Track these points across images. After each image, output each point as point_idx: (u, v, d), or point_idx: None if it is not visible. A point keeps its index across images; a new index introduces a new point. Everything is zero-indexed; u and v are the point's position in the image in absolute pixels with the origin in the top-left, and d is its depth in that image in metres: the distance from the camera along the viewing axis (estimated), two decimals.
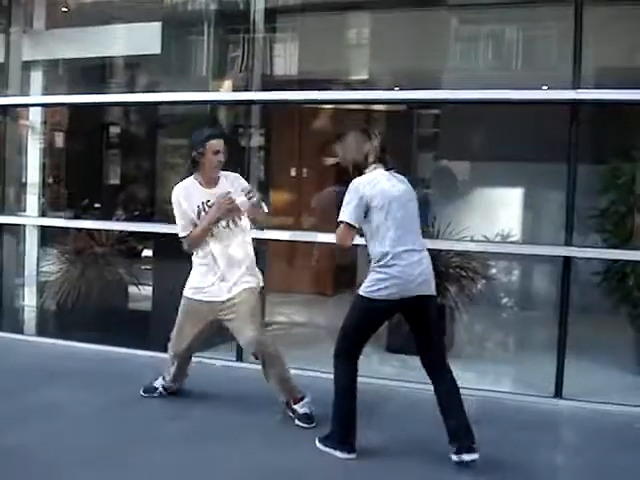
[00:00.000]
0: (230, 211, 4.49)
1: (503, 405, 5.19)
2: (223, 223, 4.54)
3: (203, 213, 4.54)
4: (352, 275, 8.15)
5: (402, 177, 4.15)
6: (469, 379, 5.80)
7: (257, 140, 6.47)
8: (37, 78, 7.77)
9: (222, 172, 4.63)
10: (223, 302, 4.58)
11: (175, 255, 6.47)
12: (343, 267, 8.82)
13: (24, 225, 7.61)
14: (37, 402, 4.81)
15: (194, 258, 4.68)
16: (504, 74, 7.83)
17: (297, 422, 4.55)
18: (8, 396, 4.93)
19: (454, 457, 3.88)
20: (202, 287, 4.62)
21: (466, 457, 3.85)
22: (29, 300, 7.64)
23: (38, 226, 7.65)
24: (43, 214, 7.77)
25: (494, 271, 7.18)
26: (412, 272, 3.91)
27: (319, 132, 8.95)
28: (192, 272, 4.71)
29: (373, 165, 4.07)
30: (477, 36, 8.16)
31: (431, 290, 4.04)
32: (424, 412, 4.40)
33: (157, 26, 7.10)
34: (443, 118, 9.10)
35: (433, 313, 4.10)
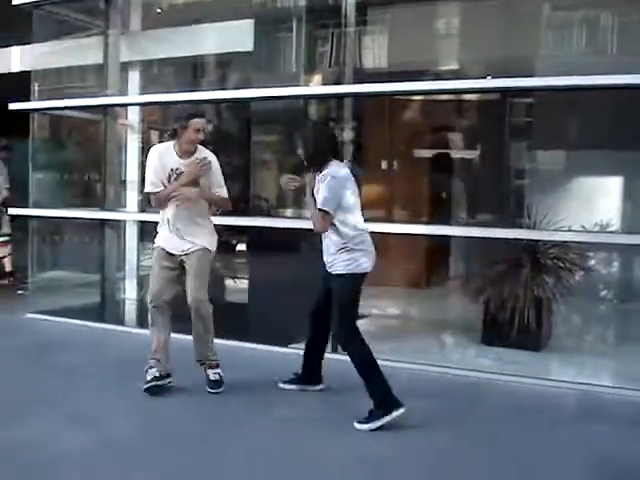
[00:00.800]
0: (199, 176, 4.87)
1: (603, 399, 5.04)
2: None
3: (172, 179, 4.87)
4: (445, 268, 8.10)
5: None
6: (568, 372, 5.71)
7: (349, 133, 6.47)
8: (134, 78, 8.02)
9: (201, 148, 4.98)
10: (178, 255, 4.95)
11: (269, 249, 6.61)
12: (435, 260, 8.77)
13: (124, 221, 7.87)
14: (136, 392, 4.93)
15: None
16: (598, 60, 7.59)
17: (207, 388, 4.96)
18: (115, 384, 5.13)
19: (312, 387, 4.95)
20: (163, 239, 5.02)
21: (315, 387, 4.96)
22: (130, 293, 7.89)
23: (138, 221, 7.89)
24: (142, 210, 8.00)
25: (592, 262, 6.97)
26: None
27: (410, 124, 8.91)
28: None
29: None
30: (570, 22, 7.94)
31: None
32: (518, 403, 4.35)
33: (249, 23, 7.21)
34: (536, 106, 8.88)
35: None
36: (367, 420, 4.30)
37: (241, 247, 8.14)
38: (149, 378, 4.93)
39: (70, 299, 8.07)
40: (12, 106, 7.53)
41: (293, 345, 6.03)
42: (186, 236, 4.93)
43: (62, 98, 7.75)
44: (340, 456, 3.92)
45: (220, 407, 4.75)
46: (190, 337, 5.03)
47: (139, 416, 4.59)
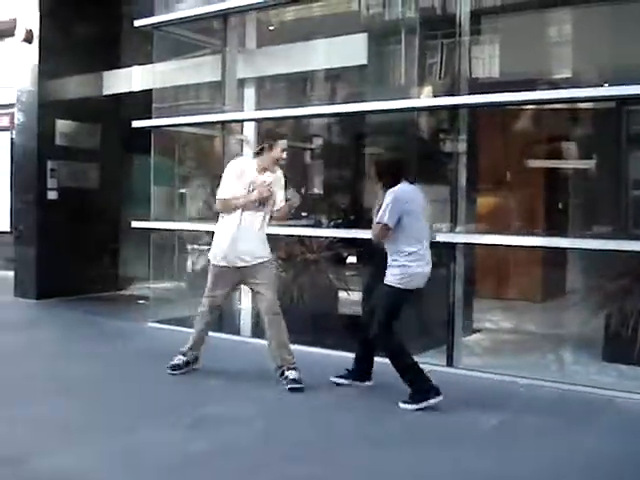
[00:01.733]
0: (266, 199, 5.32)
1: None
2: (256, 203, 5.33)
3: (248, 190, 5.29)
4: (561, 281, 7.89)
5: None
6: None
7: (463, 145, 6.42)
8: (250, 94, 8.22)
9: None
10: (239, 268, 5.38)
11: (380, 260, 6.61)
12: (551, 273, 8.56)
13: None
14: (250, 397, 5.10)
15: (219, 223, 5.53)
16: None
17: (286, 386, 5.19)
18: (230, 393, 5.28)
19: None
20: (219, 251, 5.44)
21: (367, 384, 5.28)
22: (244, 303, 8.06)
23: None
24: None
25: None
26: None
27: (524, 134, 8.75)
28: (215, 236, 5.55)
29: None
30: None
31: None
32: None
33: (362, 37, 7.27)
34: None
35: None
36: (409, 401, 4.78)
37: (351, 259, 8.21)
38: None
39: (186, 309, 8.32)
40: (135, 124, 7.88)
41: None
42: (245, 247, 5.37)
43: (182, 115, 8.03)
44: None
45: None
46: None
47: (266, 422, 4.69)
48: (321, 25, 8.15)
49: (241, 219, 5.32)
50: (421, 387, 4.80)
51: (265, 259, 5.43)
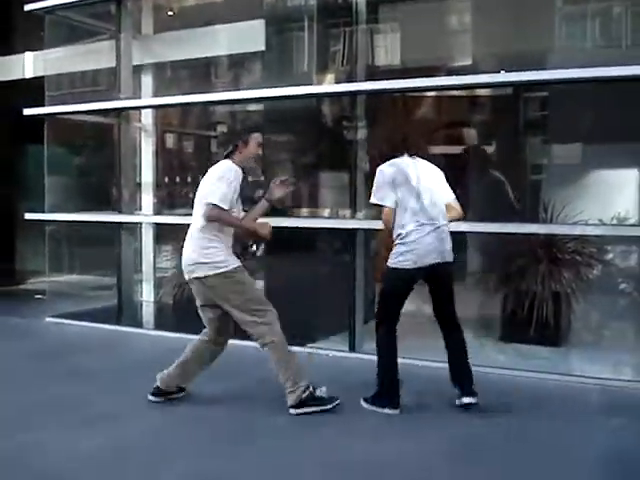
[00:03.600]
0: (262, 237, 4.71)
1: (624, 394, 5.00)
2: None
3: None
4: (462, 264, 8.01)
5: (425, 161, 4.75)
6: (587, 368, 5.66)
7: (362, 132, 6.45)
8: (147, 81, 8.05)
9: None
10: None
11: (286, 249, 6.60)
12: None
13: (140, 223, 7.89)
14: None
15: (204, 233, 4.56)
16: (613, 52, 7.52)
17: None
18: (127, 388, 5.14)
19: (457, 401, 4.55)
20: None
21: (466, 400, 4.52)
22: (147, 295, 7.92)
23: (153, 224, 7.91)
24: (158, 212, 8.02)
25: (611, 255, 6.91)
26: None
27: (423, 121, 8.85)
28: (210, 248, 4.54)
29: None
30: (583, 14, 7.86)
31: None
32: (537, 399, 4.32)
33: (260, 23, 7.20)
34: (551, 100, 8.80)
35: (446, 279, 4.66)
36: (369, 399, 4.62)
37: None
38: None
39: (87, 302, 8.13)
40: (26, 111, 7.58)
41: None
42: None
43: (76, 103, 7.78)
44: None
45: None
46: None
47: (158, 418, 4.60)
48: (220, 11, 8.03)
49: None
50: (384, 394, 4.57)
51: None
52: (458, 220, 4.80)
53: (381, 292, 4.73)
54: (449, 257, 4.57)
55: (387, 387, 4.57)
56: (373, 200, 4.60)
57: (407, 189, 4.52)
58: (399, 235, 4.51)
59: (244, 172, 4.67)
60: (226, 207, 4.44)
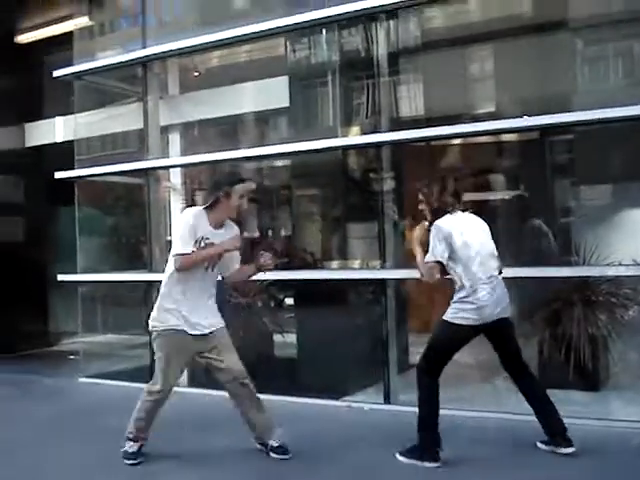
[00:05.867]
0: (233, 250, 4.63)
1: None
2: (205, 264, 4.58)
3: (198, 246, 4.50)
4: None
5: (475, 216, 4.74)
6: (628, 411, 5.52)
7: (388, 183, 6.47)
8: (175, 140, 8.17)
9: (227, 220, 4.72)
10: (204, 335, 4.62)
11: (317, 301, 6.59)
12: None
13: None
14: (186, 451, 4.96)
15: (163, 289, 4.67)
16: (636, 91, 7.50)
17: (272, 454, 4.67)
18: (164, 447, 5.10)
19: (561, 449, 4.45)
20: (174, 319, 4.58)
21: (565, 451, 4.43)
22: None
23: None
24: None
25: None
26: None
27: (451, 169, 8.86)
28: (159, 305, 4.67)
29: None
30: (604, 55, 7.88)
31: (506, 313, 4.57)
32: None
33: (284, 80, 7.31)
34: (577, 142, 8.78)
35: (510, 331, 4.68)
36: (406, 452, 4.52)
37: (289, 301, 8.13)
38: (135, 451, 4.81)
39: (121, 362, 8.13)
40: (58, 175, 7.73)
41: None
42: (203, 315, 4.63)
43: (105, 164, 7.92)
44: None
45: None
46: None
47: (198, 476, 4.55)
48: (245, 70, 8.18)
49: (192, 281, 4.58)
50: (425, 447, 4.46)
51: (220, 326, 4.74)
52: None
53: (433, 343, 4.63)
54: (509, 311, 4.61)
55: (427, 439, 4.47)
56: (429, 258, 4.52)
57: (465, 245, 4.50)
58: (461, 292, 4.50)
59: (240, 226, 4.75)
60: (188, 250, 4.46)
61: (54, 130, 9.40)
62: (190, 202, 8.45)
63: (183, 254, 4.47)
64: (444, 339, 4.56)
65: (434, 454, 4.41)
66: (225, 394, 4.80)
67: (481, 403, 5.59)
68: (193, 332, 4.60)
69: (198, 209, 4.66)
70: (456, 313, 4.48)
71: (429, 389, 4.52)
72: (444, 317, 4.53)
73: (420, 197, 4.76)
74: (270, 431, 4.76)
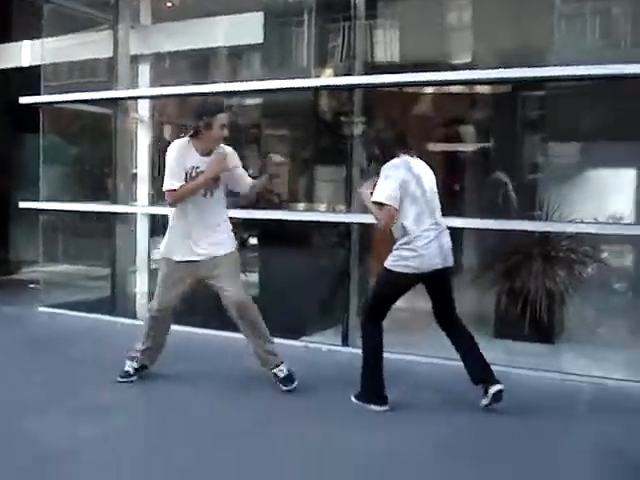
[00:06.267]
0: (222, 173, 4.67)
1: (615, 392, 5.01)
2: (202, 191, 4.66)
3: (190, 176, 4.61)
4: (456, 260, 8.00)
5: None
6: (581, 365, 5.66)
7: (359, 127, 6.43)
8: (145, 71, 8.01)
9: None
10: (198, 262, 4.73)
11: (281, 242, 6.61)
12: None
13: (135, 214, 7.87)
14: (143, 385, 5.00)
15: (170, 221, 4.85)
16: (612, 50, 7.51)
17: (280, 385, 4.79)
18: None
19: (483, 401, 4.40)
20: (176, 248, 4.77)
21: (493, 389, 4.37)
22: (141, 286, 7.89)
23: (148, 215, 7.88)
24: (153, 204, 7.99)
25: (606, 254, 6.91)
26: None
27: (422, 117, 8.84)
28: (167, 234, 4.88)
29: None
30: (583, 12, 7.86)
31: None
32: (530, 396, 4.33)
33: (259, 16, 7.18)
34: (549, 99, 8.80)
35: (449, 283, 4.62)
36: (358, 395, 4.54)
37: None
38: (130, 370, 5.01)
39: (82, 293, 8.11)
40: (22, 100, 7.56)
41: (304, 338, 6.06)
42: (206, 242, 4.72)
43: (72, 92, 7.75)
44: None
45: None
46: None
47: (148, 408, 4.59)
48: (220, 3, 8.00)
49: (192, 209, 4.68)
50: (370, 390, 4.50)
51: (227, 251, 4.80)
52: None
53: (375, 292, 4.61)
54: (451, 261, 4.51)
55: (372, 385, 4.50)
56: (377, 198, 4.34)
57: (412, 191, 4.37)
58: (403, 239, 4.39)
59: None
60: (177, 185, 4.58)
61: (21, 54, 9.14)
62: (158, 135, 8.37)
63: (170, 190, 4.60)
64: (385, 286, 4.51)
65: (382, 398, 4.45)
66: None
67: (428, 348, 5.67)
68: (186, 258, 4.73)
69: (183, 140, 4.71)
70: (396, 261, 4.39)
71: (372, 336, 4.51)
72: (385, 264, 4.45)
73: (374, 141, 4.64)
74: (269, 361, 4.85)
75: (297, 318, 6.36)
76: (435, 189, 4.55)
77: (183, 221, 4.73)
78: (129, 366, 5.02)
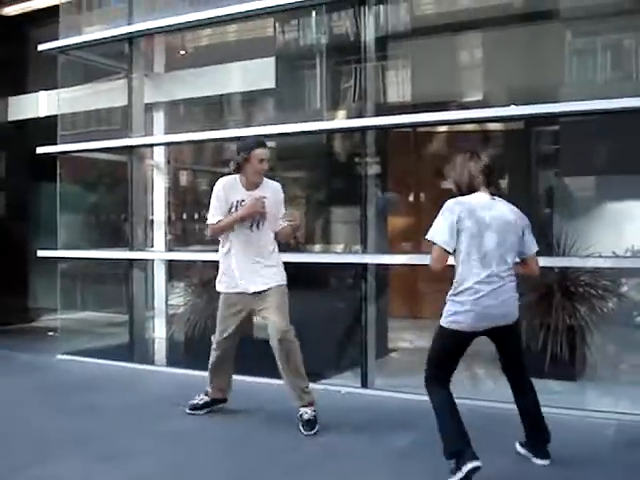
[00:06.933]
0: (259, 213, 4.81)
1: None
2: (247, 224, 4.84)
3: (235, 210, 4.84)
4: None
5: (508, 204, 4.04)
6: (604, 402, 5.57)
7: (373, 167, 6.46)
8: (159, 119, 8.11)
9: (266, 179, 4.94)
10: (255, 293, 4.85)
11: (298, 284, 6.57)
12: None
13: (152, 260, 7.90)
14: (167, 430, 4.95)
15: (220, 255, 5.01)
16: (624, 84, 7.52)
17: (300, 426, 4.76)
18: (140, 424, 5.12)
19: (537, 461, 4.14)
20: (225, 281, 4.97)
21: (539, 461, 4.12)
22: (159, 332, 7.89)
23: (165, 260, 7.92)
24: (170, 249, 8.03)
25: (626, 288, 6.83)
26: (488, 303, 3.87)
27: (435, 156, 8.87)
28: (219, 268, 5.03)
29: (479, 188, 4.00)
30: (593, 47, 7.89)
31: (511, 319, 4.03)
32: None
33: (271, 61, 7.27)
34: (563, 133, 8.80)
35: (514, 339, 4.16)
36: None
37: None
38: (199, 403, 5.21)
39: (100, 340, 8.12)
40: (40, 149, 7.66)
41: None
42: (253, 275, 4.85)
43: (88, 140, 7.85)
44: None
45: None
46: None
47: (173, 454, 4.55)
48: (232, 50, 8.12)
49: (236, 242, 4.87)
50: (449, 448, 3.85)
51: (274, 284, 4.88)
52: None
53: (431, 348, 4.06)
54: (512, 319, 4.02)
55: (450, 446, 3.86)
56: (428, 235, 3.92)
57: (472, 234, 3.86)
58: (451, 290, 3.95)
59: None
60: (216, 219, 4.85)
61: (37, 105, 9.30)
62: (173, 180, 8.44)
63: (210, 223, 4.89)
64: (438, 343, 4.01)
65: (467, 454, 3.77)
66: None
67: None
68: (236, 290, 4.91)
69: (230, 177, 4.91)
70: (446, 316, 3.92)
71: (438, 398, 3.97)
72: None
73: (446, 173, 4.32)
74: (301, 398, 4.86)
75: (315, 361, 6.30)
76: (511, 236, 3.94)
77: (229, 254, 4.91)
78: (198, 399, 5.22)
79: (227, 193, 4.86)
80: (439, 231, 3.88)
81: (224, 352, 5.14)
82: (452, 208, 3.89)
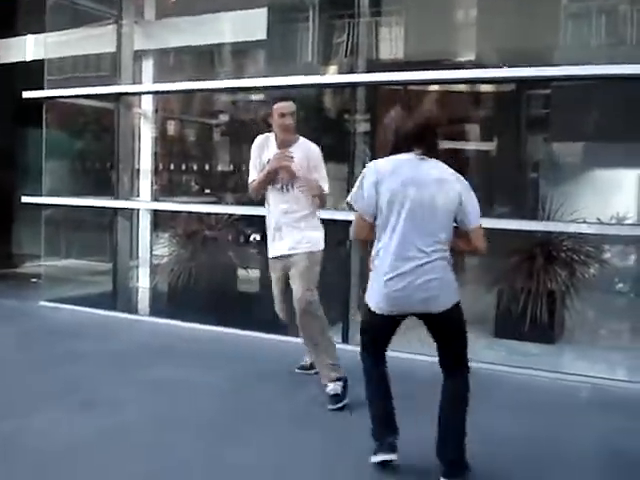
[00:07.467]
0: (285, 171, 4.55)
1: (616, 393, 4.98)
2: (278, 185, 4.64)
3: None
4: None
5: (442, 165, 3.41)
6: (581, 366, 5.65)
7: (362, 124, 6.43)
8: (148, 67, 8.01)
9: (303, 139, 4.71)
10: (284, 257, 4.69)
11: None
12: None
13: (138, 209, 7.87)
14: (150, 379, 4.99)
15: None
16: (617, 50, 7.49)
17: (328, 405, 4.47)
18: (122, 372, 5.14)
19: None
20: (269, 244, 4.81)
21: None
22: (143, 281, 7.90)
23: (151, 210, 7.89)
24: (155, 199, 8.00)
25: (609, 255, 6.89)
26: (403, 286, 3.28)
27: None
28: None
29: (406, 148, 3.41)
30: (588, 12, 7.83)
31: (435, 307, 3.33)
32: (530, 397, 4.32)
33: (263, 12, 7.17)
34: (554, 98, 8.78)
35: (446, 332, 3.42)
36: None
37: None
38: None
39: (83, 288, 8.12)
40: (26, 94, 7.56)
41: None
42: (287, 237, 4.66)
43: (75, 86, 7.75)
44: None
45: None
46: None
47: (155, 402, 4.58)
48: None
49: (271, 204, 4.71)
50: (371, 429, 3.56)
51: (301, 250, 4.65)
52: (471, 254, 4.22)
53: (360, 324, 3.66)
54: (438, 307, 3.31)
55: (372, 422, 3.58)
56: (348, 198, 3.49)
57: (390, 199, 3.29)
58: (375, 255, 3.40)
59: None
60: (251, 179, 4.71)
61: (25, 48, 9.15)
62: (161, 130, 8.37)
63: (249, 183, 4.75)
64: (364, 322, 3.60)
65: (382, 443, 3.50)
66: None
67: None
68: (273, 254, 4.78)
69: (264, 135, 4.75)
70: (368, 291, 3.44)
71: (366, 369, 3.58)
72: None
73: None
74: (324, 374, 4.63)
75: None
76: (445, 204, 3.30)
77: (269, 216, 4.78)
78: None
79: (260, 151, 4.71)
80: (358, 196, 3.40)
81: (280, 312, 4.97)
82: (372, 169, 3.39)
